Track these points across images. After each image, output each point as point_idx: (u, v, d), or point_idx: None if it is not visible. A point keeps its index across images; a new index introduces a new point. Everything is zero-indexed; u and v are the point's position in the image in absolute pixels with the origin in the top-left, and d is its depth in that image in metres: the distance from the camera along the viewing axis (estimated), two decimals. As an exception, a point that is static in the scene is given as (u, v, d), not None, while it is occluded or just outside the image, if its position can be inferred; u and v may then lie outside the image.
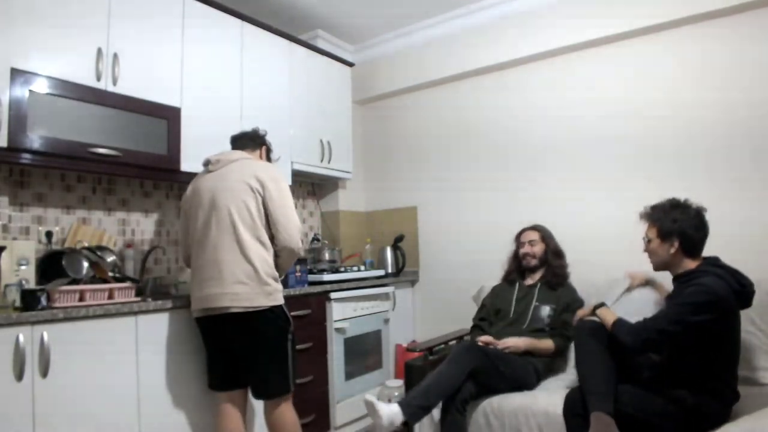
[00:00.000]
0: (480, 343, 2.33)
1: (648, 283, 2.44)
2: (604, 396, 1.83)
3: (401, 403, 2.06)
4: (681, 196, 2.04)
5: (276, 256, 2.10)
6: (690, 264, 1.94)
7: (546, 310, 2.54)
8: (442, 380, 2.14)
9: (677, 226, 1.93)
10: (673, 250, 1.94)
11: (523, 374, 2.25)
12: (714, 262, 1.93)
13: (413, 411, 2.06)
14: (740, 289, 1.85)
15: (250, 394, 2.14)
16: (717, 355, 1.83)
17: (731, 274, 1.87)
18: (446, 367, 2.17)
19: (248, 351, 2.03)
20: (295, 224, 2.10)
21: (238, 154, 2.17)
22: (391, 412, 2.02)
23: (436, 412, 2.21)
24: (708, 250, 1.98)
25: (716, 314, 1.77)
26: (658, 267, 2.05)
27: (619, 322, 1.94)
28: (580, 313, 2.22)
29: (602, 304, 2.09)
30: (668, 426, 1.80)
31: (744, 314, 2.06)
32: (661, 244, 1.97)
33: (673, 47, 2.77)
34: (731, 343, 1.86)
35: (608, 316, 1.99)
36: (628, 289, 2.47)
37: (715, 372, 1.83)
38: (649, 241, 2.02)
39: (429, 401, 2.09)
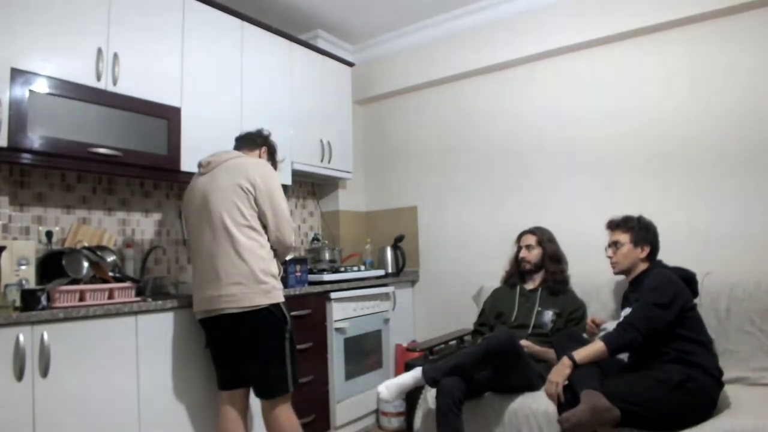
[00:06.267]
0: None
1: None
2: (588, 378, 1.91)
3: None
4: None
5: (273, 250, 2.10)
6: (643, 266, 2.21)
7: (549, 315, 2.54)
8: (468, 349, 2.25)
9: (650, 235, 2.21)
10: (642, 255, 2.20)
11: (533, 377, 2.25)
12: (659, 263, 2.20)
13: (431, 365, 2.20)
14: (686, 277, 2.11)
15: (252, 394, 2.14)
16: (688, 327, 1.98)
17: (675, 269, 2.14)
18: (476, 344, 2.32)
19: (246, 351, 2.02)
20: (287, 221, 2.10)
21: (230, 154, 2.15)
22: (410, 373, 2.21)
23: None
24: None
25: (675, 290, 1.99)
26: (621, 271, 2.26)
27: (606, 338, 2.00)
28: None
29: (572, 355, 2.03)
30: (665, 407, 1.83)
31: (744, 314, 2.26)
32: (632, 249, 2.20)
33: (669, 48, 2.77)
34: (698, 321, 2.04)
35: (594, 346, 2.00)
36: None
37: (692, 342, 1.95)
38: (618, 246, 2.23)
39: (448, 362, 2.17)
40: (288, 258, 2.64)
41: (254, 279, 1.98)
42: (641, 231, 2.21)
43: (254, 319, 1.98)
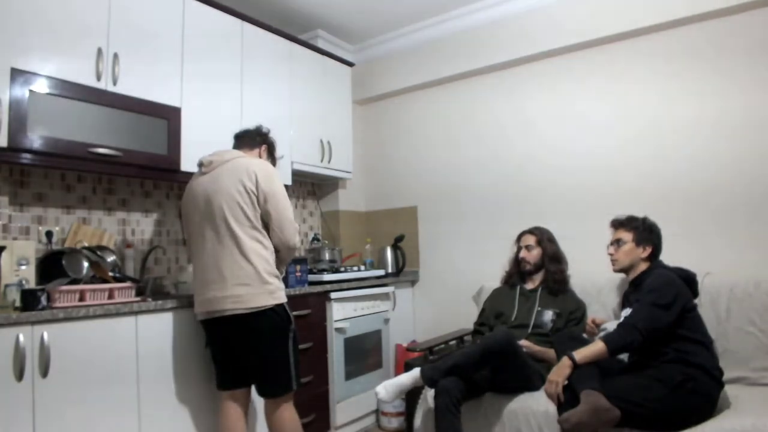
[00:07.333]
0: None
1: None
2: (588, 378, 1.91)
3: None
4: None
5: (275, 252, 2.10)
6: (644, 266, 2.21)
7: (549, 315, 2.54)
8: (466, 350, 2.24)
9: (654, 236, 2.22)
10: (644, 255, 2.21)
11: (533, 377, 2.25)
12: (660, 264, 2.20)
13: (429, 366, 2.20)
14: (686, 277, 2.11)
15: (253, 393, 2.14)
16: (689, 328, 1.98)
17: (675, 269, 2.14)
18: (474, 344, 2.30)
19: (251, 350, 2.03)
20: (290, 222, 2.09)
21: (231, 153, 2.15)
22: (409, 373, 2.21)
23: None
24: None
25: (676, 290, 2.00)
26: (621, 269, 2.27)
27: (607, 338, 2.00)
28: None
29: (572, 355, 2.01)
30: (665, 407, 1.83)
31: (744, 314, 2.27)
32: (634, 248, 2.21)
33: (663, 50, 2.77)
34: (698, 322, 2.04)
35: (594, 346, 1.99)
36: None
37: (692, 342, 1.96)
38: (621, 244, 2.24)
39: (446, 362, 2.17)
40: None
41: (259, 280, 1.99)
42: (645, 231, 2.22)
43: (260, 319, 1.99)
